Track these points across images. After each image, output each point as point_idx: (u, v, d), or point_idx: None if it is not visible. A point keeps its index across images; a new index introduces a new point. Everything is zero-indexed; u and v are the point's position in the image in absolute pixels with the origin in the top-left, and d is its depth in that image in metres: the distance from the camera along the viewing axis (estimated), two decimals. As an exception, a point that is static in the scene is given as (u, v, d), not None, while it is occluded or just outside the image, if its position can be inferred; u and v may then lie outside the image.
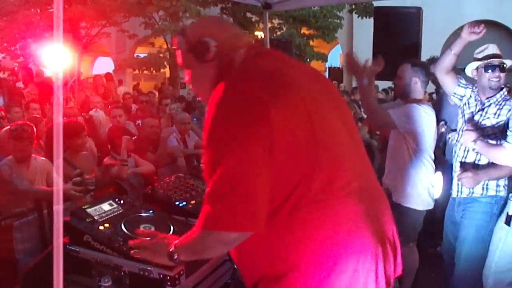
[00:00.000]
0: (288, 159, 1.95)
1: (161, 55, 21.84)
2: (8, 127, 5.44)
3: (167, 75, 24.69)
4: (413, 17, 6.26)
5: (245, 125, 1.92)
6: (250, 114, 1.93)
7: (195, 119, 8.41)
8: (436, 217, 6.82)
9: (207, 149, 2.00)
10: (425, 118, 4.46)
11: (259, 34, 18.95)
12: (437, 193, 6.16)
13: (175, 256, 2.16)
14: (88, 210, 2.86)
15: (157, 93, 14.06)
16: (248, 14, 20.49)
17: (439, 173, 6.05)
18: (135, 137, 7.05)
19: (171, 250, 2.17)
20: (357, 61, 4.45)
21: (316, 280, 1.98)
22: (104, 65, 30.89)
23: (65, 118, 5.60)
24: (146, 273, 2.46)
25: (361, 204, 2.07)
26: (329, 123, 2.11)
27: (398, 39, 6.11)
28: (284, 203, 1.99)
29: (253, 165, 1.90)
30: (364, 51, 5.04)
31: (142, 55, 24.26)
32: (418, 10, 6.30)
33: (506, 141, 3.79)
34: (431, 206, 4.75)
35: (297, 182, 1.98)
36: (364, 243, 2.02)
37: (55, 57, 1.85)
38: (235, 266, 2.94)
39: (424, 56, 6.40)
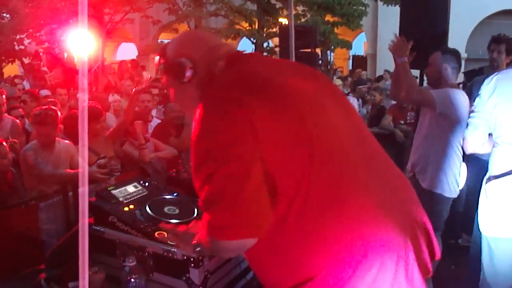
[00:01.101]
0: (283, 161, 1.89)
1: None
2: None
3: (191, 61, 24.70)
4: (441, 5, 6.18)
5: (229, 135, 1.87)
6: (231, 122, 1.88)
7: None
8: (457, 208, 6.81)
9: (196, 169, 1.96)
10: (462, 103, 4.45)
11: (283, 21, 18.90)
12: (461, 183, 6.14)
13: (198, 249, 2.27)
14: (113, 192, 2.88)
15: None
16: (272, 1, 20.47)
17: (464, 164, 6.03)
18: (159, 122, 7.10)
19: (195, 243, 2.24)
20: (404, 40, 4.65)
21: (341, 283, 1.90)
22: (127, 51, 31.06)
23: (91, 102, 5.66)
24: (170, 254, 2.48)
25: (376, 196, 2.00)
26: (328, 120, 2.05)
27: (426, 27, 6.04)
28: (289, 207, 1.91)
29: (244, 170, 1.84)
30: (389, 39, 5.00)
31: (165, 41, 24.29)
32: (446, -3, 6.23)
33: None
34: (456, 195, 4.74)
35: (298, 182, 1.90)
36: (387, 235, 1.94)
37: (80, 43, 1.85)
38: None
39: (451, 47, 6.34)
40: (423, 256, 2.06)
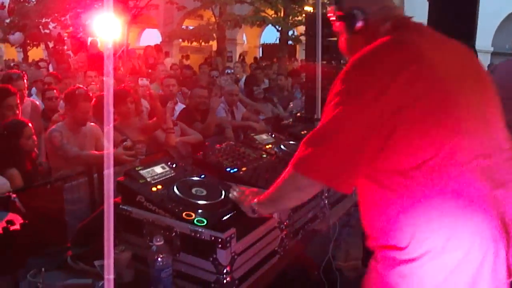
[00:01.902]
0: (415, 124, 1.94)
1: (210, 27, 21.88)
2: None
3: (214, 48, 24.73)
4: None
5: (371, 80, 1.96)
6: (378, 72, 1.97)
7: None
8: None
9: (330, 93, 2.06)
10: None
11: (309, 9, 18.76)
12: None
13: (256, 208, 2.43)
14: (141, 172, 2.89)
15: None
16: (299, -11, 20.35)
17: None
18: (184, 107, 7.10)
19: (252, 203, 2.45)
20: None
21: (429, 255, 1.96)
22: (151, 37, 31.10)
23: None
24: (198, 235, 2.48)
25: (486, 183, 1.99)
26: (465, 99, 2.05)
27: (454, 21, 5.97)
28: (404, 171, 1.98)
29: (360, 126, 1.94)
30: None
31: (190, 28, 24.36)
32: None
33: None
34: None
35: (422, 149, 1.95)
36: (483, 223, 1.96)
37: (105, 27, 1.86)
38: (282, 236, 2.96)
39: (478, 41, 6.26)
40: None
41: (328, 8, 2.45)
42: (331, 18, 2.40)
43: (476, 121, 2.05)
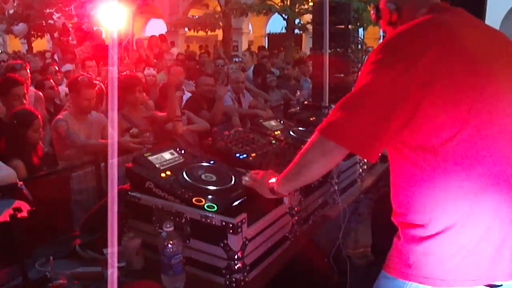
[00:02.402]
0: (441, 100, 1.94)
1: (216, 16, 21.84)
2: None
3: (219, 38, 24.69)
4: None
5: (403, 54, 1.99)
6: (411, 46, 2.00)
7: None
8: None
9: (365, 63, 2.08)
10: None
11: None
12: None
13: (275, 188, 2.42)
14: (150, 158, 2.85)
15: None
16: (305, -23, 20.27)
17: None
18: (190, 95, 7.07)
19: (271, 182, 2.44)
20: None
21: (447, 229, 1.97)
22: (156, 27, 31.05)
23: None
24: (208, 220, 2.45)
25: (511, 164, 1.99)
26: (495, 80, 2.03)
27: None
28: (433, 147, 1.98)
29: (391, 91, 1.95)
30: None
31: (196, 17, 24.32)
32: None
33: None
34: None
35: (447, 126, 1.95)
36: (504, 205, 1.96)
37: (110, 17, 1.82)
38: (292, 221, 2.93)
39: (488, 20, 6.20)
40: None
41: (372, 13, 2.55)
42: (373, 16, 2.53)
43: (505, 102, 2.02)
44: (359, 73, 2.10)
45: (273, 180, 2.45)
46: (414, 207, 2.05)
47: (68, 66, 9.82)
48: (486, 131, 1.95)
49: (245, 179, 2.65)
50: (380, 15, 2.45)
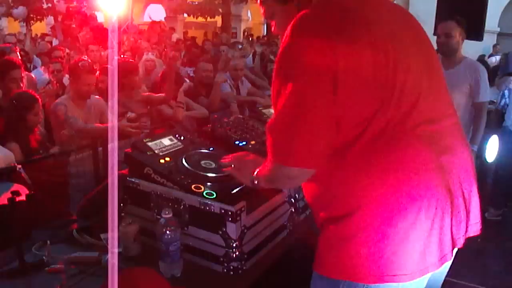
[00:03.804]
0: (356, 95, 1.88)
1: (216, 1, 21.76)
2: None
3: (219, 24, 24.61)
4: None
5: (310, 59, 1.86)
6: (316, 48, 1.86)
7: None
8: (486, 181, 6.74)
9: (275, 78, 1.97)
10: None
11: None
12: (492, 156, 6.06)
13: (256, 182, 2.26)
14: (149, 144, 2.83)
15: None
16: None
17: (495, 136, 5.94)
18: (188, 81, 7.05)
19: (253, 176, 2.25)
20: None
21: (377, 223, 1.90)
22: (155, 12, 30.91)
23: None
24: (207, 208, 2.44)
25: (432, 150, 1.96)
26: (408, 64, 1.98)
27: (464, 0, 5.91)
28: (349, 141, 1.92)
29: (317, 98, 1.85)
30: (422, 9, 4.92)
31: (196, 2, 24.21)
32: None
33: None
34: None
35: (364, 119, 1.90)
36: (429, 191, 1.91)
37: (109, 1, 1.79)
38: (291, 210, 2.92)
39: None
40: (459, 227, 2.02)
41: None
42: (259, 4, 2.34)
43: (419, 85, 2.00)
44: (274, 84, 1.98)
45: (254, 176, 2.27)
46: (339, 203, 1.99)
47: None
48: (406, 117, 1.93)
49: (225, 163, 2.54)
50: None
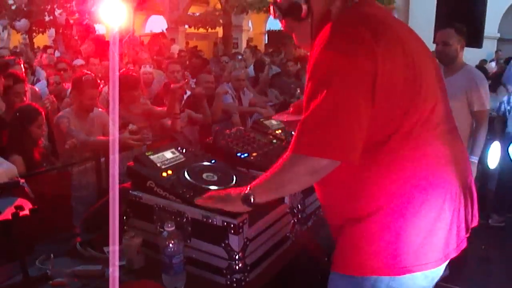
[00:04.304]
0: (390, 95, 2.01)
1: (216, 13, 21.82)
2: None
3: (220, 35, 24.68)
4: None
5: (350, 57, 1.97)
6: (355, 47, 1.99)
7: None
8: (488, 188, 6.74)
9: (310, 79, 2.06)
10: None
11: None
12: (494, 163, 6.04)
13: (251, 198, 2.17)
14: (151, 157, 2.84)
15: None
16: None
17: (497, 143, 5.93)
18: (190, 93, 7.07)
19: (246, 192, 2.17)
20: None
21: (404, 219, 2.04)
22: (156, 24, 31.01)
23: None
24: (210, 220, 2.45)
25: (448, 146, 2.15)
26: (426, 66, 2.17)
27: (463, 6, 5.91)
28: (379, 141, 2.04)
29: (355, 96, 1.95)
30: (422, 17, 4.94)
31: (196, 14, 24.30)
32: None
33: None
34: None
35: (395, 121, 2.03)
36: (449, 183, 2.10)
37: (111, 14, 1.81)
38: (293, 221, 2.93)
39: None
40: (469, 216, 2.22)
41: (271, 11, 2.45)
42: (277, 19, 2.42)
43: (436, 91, 2.19)
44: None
45: (247, 190, 2.19)
46: (367, 201, 2.08)
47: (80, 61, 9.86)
48: (431, 117, 2.10)
49: (200, 201, 2.41)
50: (290, 13, 2.31)
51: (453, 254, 2.13)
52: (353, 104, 1.94)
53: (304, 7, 2.25)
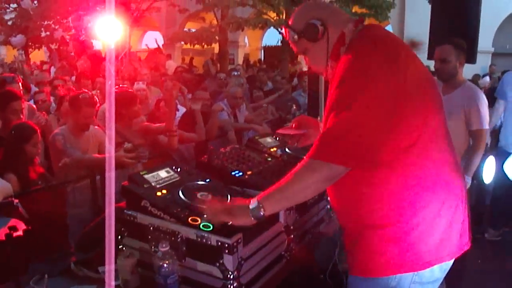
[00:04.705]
0: (412, 103, 2.20)
1: (212, 29, 21.86)
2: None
3: (216, 50, 24.74)
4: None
5: (375, 75, 2.15)
6: (380, 66, 2.16)
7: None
8: (484, 202, 6.75)
9: (338, 88, 2.20)
10: None
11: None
12: (489, 178, 6.04)
13: (261, 211, 2.26)
14: (146, 176, 2.84)
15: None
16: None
17: (492, 157, 5.92)
18: (185, 110, 7.07)
19: (256, 205, 2.26)
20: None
21: (426, 222, 2.23)
22: (153, 40, 31.06)
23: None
24: (204, 240, 2.45)
25: (453, 151, 2.40)
26: (433, 88, 2.43)
27: (457, 21, 5.93)
28: (402, 147, 2.21)
29: (377, 111, 2.12)
30: (416, 32, 4.95)
31: (192, 30, 24.36)
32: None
33: None
34: None
35: (414, 129, 2.22)
36: (459, 187, 2.35)
37: (107, 30, 1.83)
38: (288, 239, 2.92)
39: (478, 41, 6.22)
40: (466, 219, 2.41)
41: (284, 33, 2.59)
42: (291, 42, 2.55)
43: (440, 102, 2.42)
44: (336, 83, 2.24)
45: (255, 203, 2.27)
46: (386, 210, 2.25)
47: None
48: (440, 127, 2.34)
49: (207, 216, 2.49)
50: (306, 33, 2.44)
51: (466, 247, 2.37)
52: (375, 119, 2.12)
53: (321, 28, 2.40)
